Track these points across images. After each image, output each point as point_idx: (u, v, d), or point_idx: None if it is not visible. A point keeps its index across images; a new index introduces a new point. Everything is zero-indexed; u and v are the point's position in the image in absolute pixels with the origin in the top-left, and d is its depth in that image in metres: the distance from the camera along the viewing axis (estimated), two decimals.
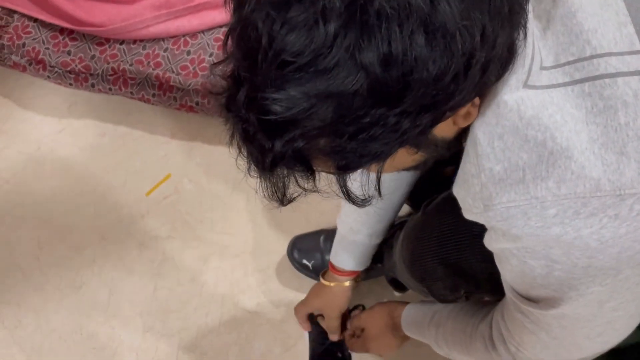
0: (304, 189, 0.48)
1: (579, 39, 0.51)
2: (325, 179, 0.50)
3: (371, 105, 0.41)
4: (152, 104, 1.33)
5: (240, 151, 0.46)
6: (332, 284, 1.01)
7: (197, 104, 1.27)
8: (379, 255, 1.12)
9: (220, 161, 1.37)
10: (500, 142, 0.50)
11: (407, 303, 0.93)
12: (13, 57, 1.36)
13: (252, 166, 0.46)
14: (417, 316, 0.90)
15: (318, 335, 1.09)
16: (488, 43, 0.43)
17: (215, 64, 0.45)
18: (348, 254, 0.98)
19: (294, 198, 0.48)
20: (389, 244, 1.05)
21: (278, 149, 0.43)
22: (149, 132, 1.43)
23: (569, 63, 0.51)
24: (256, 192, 0.47)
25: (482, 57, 0.43)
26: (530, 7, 0.50)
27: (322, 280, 1.03)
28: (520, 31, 0.48)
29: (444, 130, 0.51)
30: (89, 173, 1.41)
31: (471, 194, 0.54)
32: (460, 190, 0.56)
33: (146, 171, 1.39)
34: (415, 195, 1.16)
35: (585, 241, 0.50)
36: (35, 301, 1.29)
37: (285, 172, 0.46)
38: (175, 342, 1.22)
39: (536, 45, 0.51)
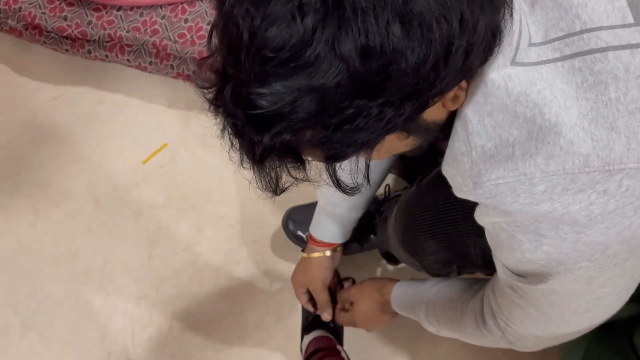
0: (296, 179, 0.49)
1: (568, 13, 0.50)
2: (316, 168, 0.51)
3: (353, 96, 0.42)
4: (149, 72, 1.32)
5: (232, 144, 0.47)
6: (312, 256, 1.00)
7: (194, 72, 1.26)
8: (373, 228, 1.12)
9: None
10: (490, 119, 0.50)
11: (397, 280, 0.93)
12: (9, 21, 1.34)
13: (244, 158, 0.47)
14: (408, 293, 0.90)
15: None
16: (468, 29, 0.43)
17: (202, 59, 0.46)
18: (327, 226, 0.98)
19: (287, 188, 0.49)
20: (383, 216, 1.05)
21: (267, 141, 0.44)
22: (145, 100, 1.42)
23: (558, 39, 0.50)
24: (249, 183, 0.48)
25: (462, 43, 0.43)
26: None
27: (302, 254, 1.03)
28: (505, 11, 0.48)
29: (434, 114, 0.52)
30: (85, 140, 1.40)
31: (461, 172, 0.54)
32: (450, 168, 0.56)
33: (142, 140, 1.38)
34: (410, 170, 1.16)
35: (573, 217, 0.50)
36: (30, 267, 1.30)
37: (277, 163, 0.47)
38: (169, 310, 1.23)
39: (524, 21, 0.51)
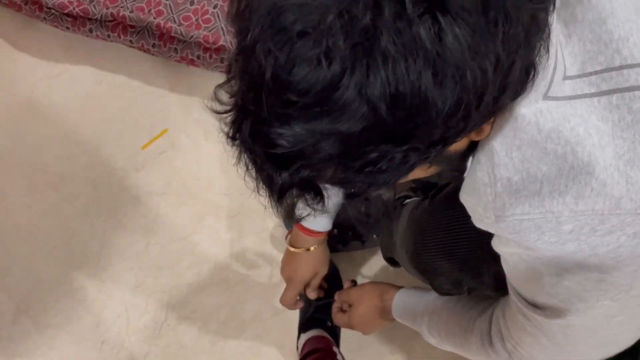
0: (314, 209, 0.48)
1: (608, 47, 0.48)
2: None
3: (378, 142, 0.41)
4: (152, 54, 1.28)
5: (247, 169, 0.45)
6: (312, 249, 0.95)
7: (198, 57, 1.22)
8: (376, 226, 1.10)
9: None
10: (518, 153, 0.48)
11: (399, 287, 0.91)
12: None
13: (262, 187, 0.46)
14: (410, 302, 0.88)
15: (306, 303, 1.08)
16: (502, 72, 0.41)
17: (219, 85, 0.45)
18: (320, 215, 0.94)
19: (303, 217, 0.48)
20: (386, 218, 1.02)
21: (286, 178, 0.43)
22: (147, 83, 1.39)
23: (596, 73, 0.48)
24: (265, 209, 0.48)
25: (495, 87, 0.41)
26: (554, 16, 0.46)
27: (290, 248, 0.97)
28: (542, 46, 0.45)
29: (457, 144, 0.49)
30: (83, 121, 1.37)
31: (482, 203, 0.52)
32: (470, 198, 0.54)
33: (143, 124, 1.35)
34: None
35: (600, 258, 0.49)
36: (24, 249, 1.27)
37: (295, 194, 0.46)
38: (165, 299, 1.21)
39: (559, 53, 0.48)
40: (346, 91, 0.38)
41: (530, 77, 0.45)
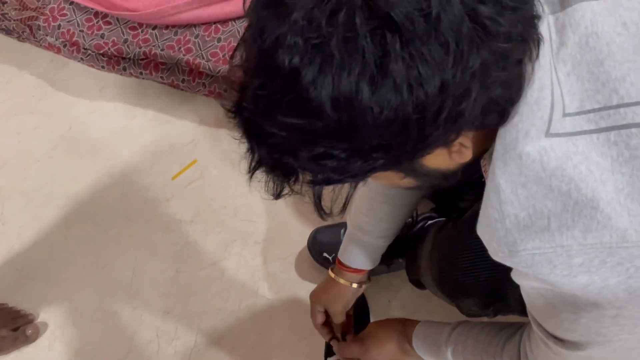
0: (292, 190, 0.52)
1: (605, 87, 0.50)
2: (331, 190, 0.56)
3: (322, 136, 0.45)
4: (182, 89, 1.35)
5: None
6: (340, 281, 1.00)
7: (225, 90, 1.28)
8: (401, 250, 1.11)
9: None
10: (524, 190, 0.50)
11: (417, 322, 0.92)
12: (48, 38, 1.39)
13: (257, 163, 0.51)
14: (432, 332, 0.88)
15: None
16: (452, 97, 0.44)
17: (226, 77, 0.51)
18: (356, 253, 0.97)
19: (284, 194, 0.53)
20: (411, 243, 1.04)
21: (263, 155, 0.49)
22: (177, 117, 1.45)
23: (594, 110, 0.50)
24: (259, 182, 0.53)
25: (443, 109, 0.44)
26: (546, 59, 0.50)
27: (330, 274, 1.02)
28: (510, 89, 0.48)
29: (437, 162, 0.53)
30: (117, 155, 1.43)
31: (495, 239, 0.53)
32: (485, 233, 0.56)
33: (173, 155, 1.41)
34: (439, 194, 1.16)
35: (613, 291, 0.50)
36: (60, 278, 1.32)
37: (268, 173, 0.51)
38: (194, 325, 1.24)
39: (557, 92, 0.50)
40: (297, 86, 0.43)
41: (505, 108, 0.49)
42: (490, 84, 0.46)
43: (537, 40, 0.49)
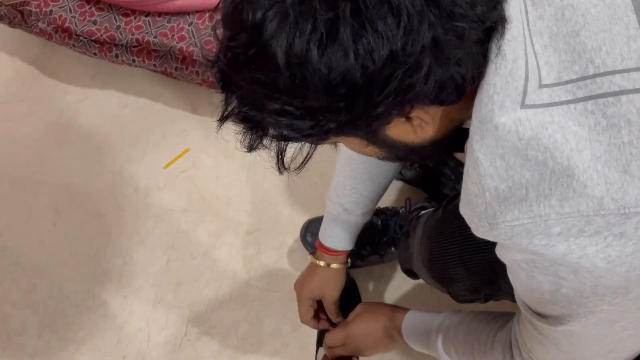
0: (261, 143, 0.54)
1: (581, 57, 0.50)
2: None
3: (279, 91, 0.47)
4: (174, 77, 1.34)
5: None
6: (332, 266, 0.98)
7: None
8: (394, 240, 1.11)
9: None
10: (502, 162, 0.50)
11: (407, 310, 0.91)
12: (40, 24, 1.37)
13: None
14: (422, 320, 0.88)
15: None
16: (401, 68, 0.45)
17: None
18: (340, 234, 0.97)
19: (257, 148, 0.55)
20: (404, 231, 1.04)
21: (234, 107, 0.52)
22: (170, 105, 1.44)
23: (571, 81, 0.50)
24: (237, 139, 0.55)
25: (393, 79, 0.46)
26: (519, 31, 0.51)
27: (318, 262, 1.00)
28: (467, 68, 0.49)
29: (402, 135, 0.56)
30: (109, 143, 1.42)
31: (476, 214, 0.53)
32: (466, 210, 0.56)
33: (165, 144, 1.39)
34: (427, 180, 1.16)
35: (591, 260, 0.50)
36: (50, 266, 1.31)
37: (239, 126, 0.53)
38: (185, 315, 1.23)
39: (532, 63, 0.51)
40: (263, 39, 0.45)
41: (462, 85, 0.50)
42: (445, 61, 0.47)
43: (501, 21, 0.50)
